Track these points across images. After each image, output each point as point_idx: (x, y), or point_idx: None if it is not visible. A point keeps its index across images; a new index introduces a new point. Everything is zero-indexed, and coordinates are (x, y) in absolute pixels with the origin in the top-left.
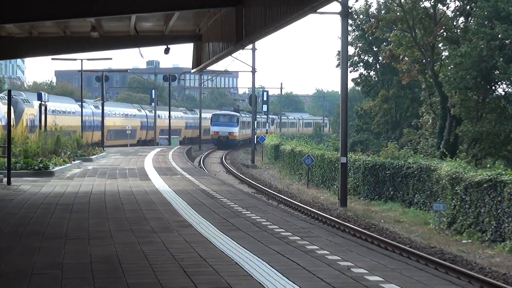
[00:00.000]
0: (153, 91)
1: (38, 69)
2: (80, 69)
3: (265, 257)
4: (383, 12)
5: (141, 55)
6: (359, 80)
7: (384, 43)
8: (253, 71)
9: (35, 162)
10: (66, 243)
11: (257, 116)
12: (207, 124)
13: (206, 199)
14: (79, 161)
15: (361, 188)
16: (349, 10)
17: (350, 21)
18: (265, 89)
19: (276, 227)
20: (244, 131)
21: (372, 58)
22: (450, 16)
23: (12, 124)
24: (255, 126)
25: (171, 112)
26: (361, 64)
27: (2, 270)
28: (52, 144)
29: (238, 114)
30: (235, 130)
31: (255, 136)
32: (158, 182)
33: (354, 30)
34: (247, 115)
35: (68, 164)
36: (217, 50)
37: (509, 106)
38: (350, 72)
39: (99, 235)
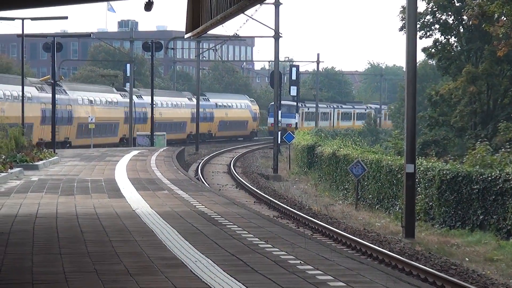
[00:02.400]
0: (128, 65)
1: None
2: (21, 33)
3: None
4: None
5: (112, 9)
6: (433, 50)
7: None
8: (277, 36)
9: None
10: None
11: (350, 105)
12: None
13: (206, 226)
14: (19, 169)
15: (435, 210)
16: None
17: None
18: (294, 63)
19: (310, 267)
20: (307, 123)
21: (452, 17)
22: None
23: None
24: (336, 117)
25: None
26: (437, 26)
27: None
28: None
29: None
30: (294, 121)
31: (279, 133)
32: (135, 201)
33: None
34: (313, 104)
35: (3, 174)
36: (223, 6)
37: None
38: (421, 38)
39: (47, 278)
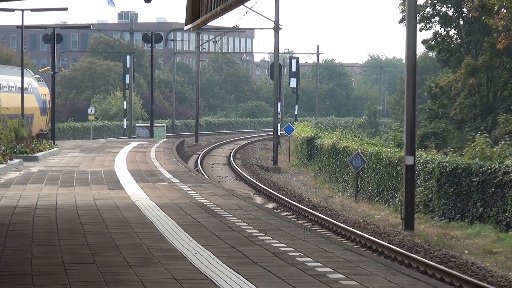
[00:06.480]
0: (128, 57)
1: None
2: (21, 24)
3: None
4: None
5: (111, 2)
6: (433, 42)
7: None
8: (276, 28)
9: None
10: None
11: None
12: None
13: (205, 217)
14: (18, 160)
15: (435, 202)
16: None
17: None
18: (294, 55)
19: (310, 259)
20: None
21: (452, 9)
22: None
23: None
24: None
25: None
26: (437, 19)
27: None
28: None
29: None
30: None
31: (278, 125)
32: (135, 193)
33: None
34: None
35: (3, 165)
36: None
37: None
38: (420, 30)
39: (47, 270)
